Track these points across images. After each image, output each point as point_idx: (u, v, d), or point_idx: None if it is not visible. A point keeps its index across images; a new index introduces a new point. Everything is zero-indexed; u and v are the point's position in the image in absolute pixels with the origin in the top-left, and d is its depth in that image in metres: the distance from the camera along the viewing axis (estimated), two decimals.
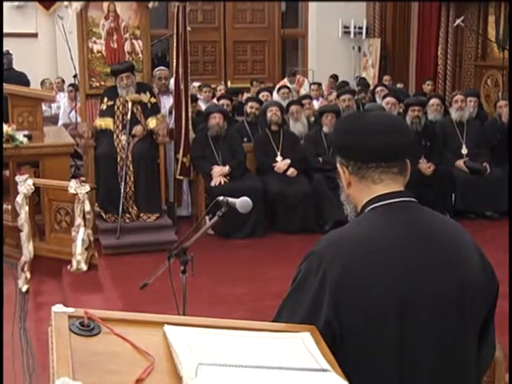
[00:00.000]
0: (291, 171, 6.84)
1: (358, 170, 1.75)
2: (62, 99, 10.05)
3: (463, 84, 11.83)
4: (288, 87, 10.02)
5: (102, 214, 6.27)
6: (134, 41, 6.57)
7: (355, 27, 12.99)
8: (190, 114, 6.67)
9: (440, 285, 1.67)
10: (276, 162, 6.93)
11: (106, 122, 6.37)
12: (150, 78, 6.88)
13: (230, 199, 3.10)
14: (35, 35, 11.67)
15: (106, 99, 6.40)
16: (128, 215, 6.28)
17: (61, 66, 11.06)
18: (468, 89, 10.61)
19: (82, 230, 5.50)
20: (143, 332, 1.51)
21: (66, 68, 9.06)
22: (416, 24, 12.76)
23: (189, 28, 6.59)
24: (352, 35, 13.05)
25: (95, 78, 6.56)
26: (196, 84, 9.90)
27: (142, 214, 6.33)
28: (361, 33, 13.07)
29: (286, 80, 11.40)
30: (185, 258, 3.14)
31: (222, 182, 6.57)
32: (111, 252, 5.97)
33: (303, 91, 10.95)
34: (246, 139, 7.27)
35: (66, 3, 6.59)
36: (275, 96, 9.90)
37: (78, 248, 5.51)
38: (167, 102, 7.12)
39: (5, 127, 6.04)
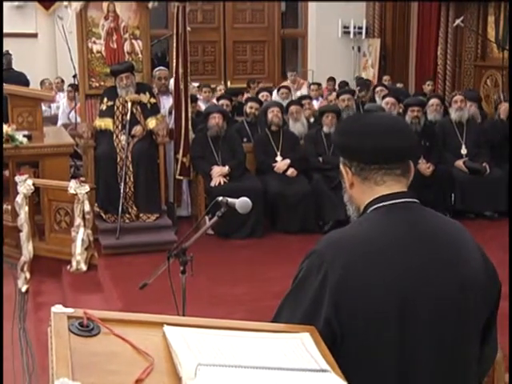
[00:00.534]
0: (291, 171, 6.84)
1: (360, 171, 1.75)
2: (62, 99, 10.05)
3: (463, 84, 11.83)
4: (288, 87, 10.02)
5: (102, 214, 6.27)
6: (133, 41, 6.57)
7: (355, 27, 12.99)
8: (189, 114, 6.67)
9: (440, 285, 1.67)
10: (276, 161, 6.93)
11: (105, 123, 6.37)
12: (150, 78, 6.88)
13: (230, 199, 3.09)
14: (35, 35, 11.67)
15: (105, 99, 6.40)
16: (128, 215, 6.28)
17: (60, 66, 11.06)
18: (468, 90, 10.60)
19: (81, 230, 5.50)
20: (143, 332, 1.51)
21: (66, 68, 9.06)
22: (416, 24, 12.75)
23: (188, 28, 6.59)
24: (352, 35, 13.05)
25: (95, 78, 6.56)
26: (196, 84, 9.90)
27: (141, 214, 6.33)
28: (360, 33, 13.07)
29: (288, 82, 11.38)
30: (184, 259, 3.14)
31: (222, 182, 6.57)
32: (111, 252, 5.97)
33: (299, 94, 10.94)
34: (245, 139, 7.28)
35: (65, 3, 6.59)
36: (275, 96, 9.90)
37: (78, 248, 5.51)
38: (167, 102, 7.12)
39: (4, 127, 6.04)
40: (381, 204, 1.73)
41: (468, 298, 1.69)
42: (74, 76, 7.77)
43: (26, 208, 5.61)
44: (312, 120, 8.25)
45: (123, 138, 6.28)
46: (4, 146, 5.91)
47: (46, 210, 5.75)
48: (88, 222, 5.56)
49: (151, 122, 6.44)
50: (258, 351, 1.50)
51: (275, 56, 13.59)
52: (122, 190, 6.18)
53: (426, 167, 6.94)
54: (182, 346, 1.45)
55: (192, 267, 3.16)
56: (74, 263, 5.54)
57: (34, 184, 5.65)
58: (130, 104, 6.30)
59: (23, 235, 5.62)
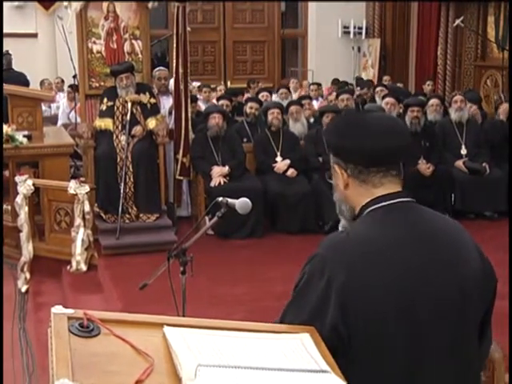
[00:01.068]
0: (291, 172, 6.84)
1: (358, 174, 1.73)
2: (62, 99, 10.05)
3: (463, 84, 11.84)
4: (287, 87, 10.03)
5: (102, 215, 6.27)
6: (133, 41, 6.57)
7: (355, 27, 13.00)
8: (189, 115, 6.67)
9: (440, 285, 1.66)
10: (276, 162, 6.93)
11: (105, 123, 6.37)
12: (150, 79, 6.88)
13: (230, 200, 3.09)
14: (35, 35, 11.68)
15: (105, 100, 6.40)
16: (128, 215, 6.28)
17: (60, 66, 11.07)
18: (468, 90, 10.60)
19: (81, 230, 5.50)
20: (143, 333, 1.51)
21: (66, 68, 9.07)
22: (416, 24, 12.76)
23: (188, 28, 6.58)
24: (352, 35, 13.06)
25: (95, 78, 6.56)
26: (195, 84, 9.89)
27: (141, 215, 6.33)
28: (360, 33, 13.08)
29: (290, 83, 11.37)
30: (184, 259, 3.13)
31: (222, 183, 6.57)
32: (111, 252, 5.97)
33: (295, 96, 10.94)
34: (245, 139, 7.27)
35: (65, 3, 6.59)
36: (274, 96, 9.90)
37: (78, 248, 5.51)
38: (167, 103, 7.12)
39: (4, 127, 6.03)
40: (379, 205, 1.72)
41: (468, 298, 1.69)
42: (74, 76, 7.78)
43: (26, 208, 5.61)
44: (312, 120, 8.26)
45: (123, 138, 6.28)
46: (4, 146, 5.91)
47: (46, 210, 5.75)
48: (88, 222, 5.56)
49: (151, 123, 6.44)
50: (257, 352, 1.50)
51: (275, 56, 13.60)
52: (121, 190, 6.18)
53: (426, 167, 6.94)
54: (182, 347, 1.45)
55: (192, 267, 3.16)
56: (73, 263, 5.54)
57: (33, 184, 5.64)
58: (129, 104, 6.30)
59: (23, 235, 5.62)
